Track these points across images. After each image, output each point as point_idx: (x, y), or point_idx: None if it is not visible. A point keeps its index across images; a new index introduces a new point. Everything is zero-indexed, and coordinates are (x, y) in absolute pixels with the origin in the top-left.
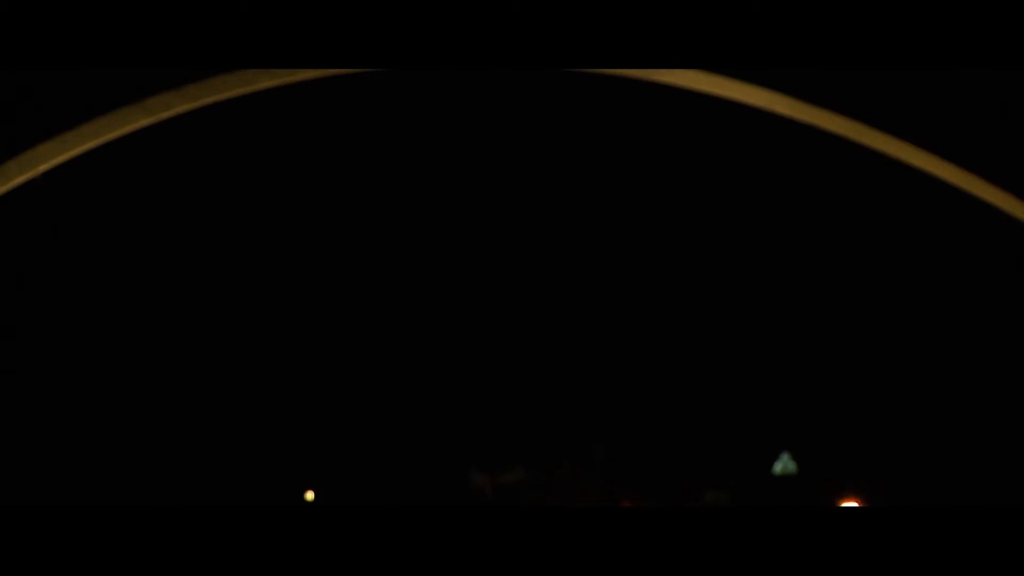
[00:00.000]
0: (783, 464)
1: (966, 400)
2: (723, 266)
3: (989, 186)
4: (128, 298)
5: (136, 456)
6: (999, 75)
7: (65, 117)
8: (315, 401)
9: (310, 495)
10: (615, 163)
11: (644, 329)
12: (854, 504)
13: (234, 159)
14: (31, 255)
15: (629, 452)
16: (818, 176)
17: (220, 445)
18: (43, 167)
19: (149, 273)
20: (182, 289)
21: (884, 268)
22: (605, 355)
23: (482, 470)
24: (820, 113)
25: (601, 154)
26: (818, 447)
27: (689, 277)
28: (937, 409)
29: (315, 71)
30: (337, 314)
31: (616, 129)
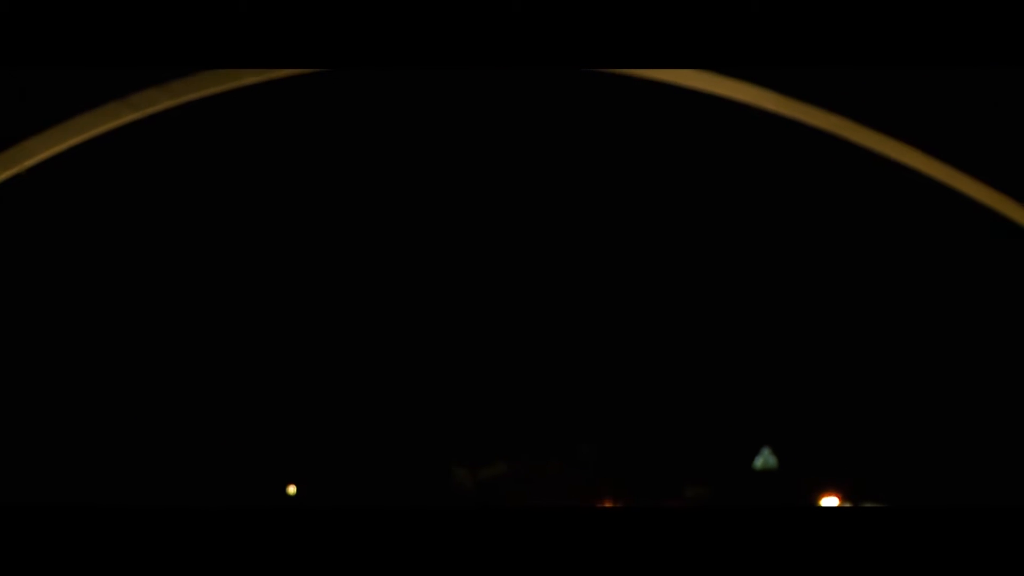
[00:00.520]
0: (764, 459)
1: (947, 397)
2: (706, 263)
3: (976, 183)
4: (111, 293)
5: (119, 451)
6: (987, 72)
7: (50, 113)
8: (298, 396)
9: (292, 489)
10: (598, 159)
11: (626, 326)
12: (834, 499)
13: (221, 154)
14: (16, 250)
15: (610, 448)
16: (804, 172)
17: (204, 439)
18: (28, 163)
19: (132, 268)
20: (164, 285)
21: (868, 264)
22: (587, 352)
23: (463, 464)
24: (807, 109)
25: (585, 150)
26: (799, 442)
27: (672, 274)
28: (918, 405)
29: (299, 69)
30: (320, 310)
31: (603, 124)
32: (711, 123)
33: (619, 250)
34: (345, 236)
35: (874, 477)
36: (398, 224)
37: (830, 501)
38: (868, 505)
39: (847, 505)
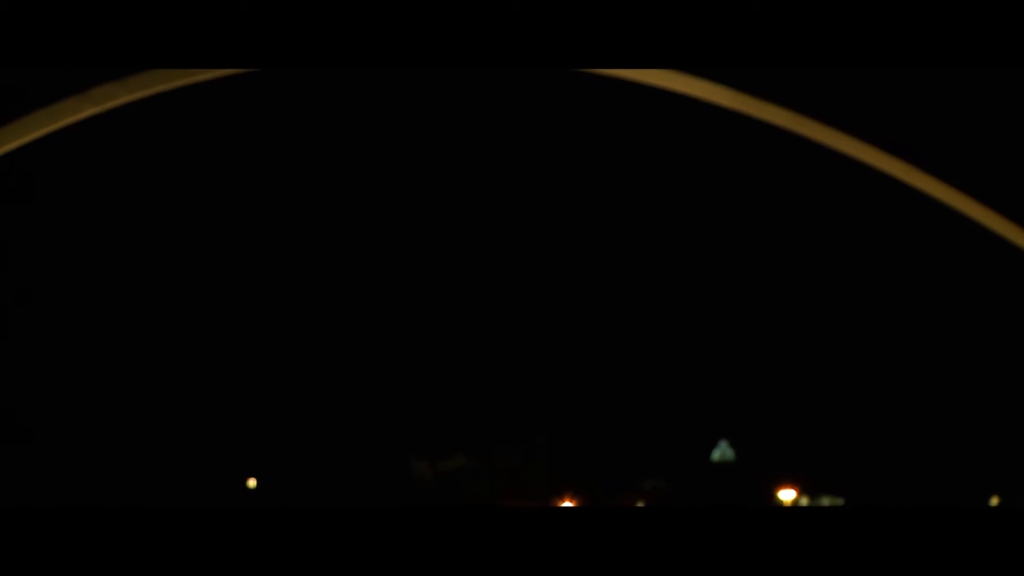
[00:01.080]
0: (721, 452)
1: (902, 393)
2: (663, 258)
3: (927, 177)
4: (75, 287)
5: (85, 445)
6: (940, 70)
7: (9, 108)
8: (260, 390)
9: (252, 482)
10: (559, 156)
11: (585, 321)
12: (791, 492)
13: (191, 150)
14: None
15: (570, 441)
16: (758, 166)
17: (166, 433)
18: None
19: (95, 262)
20: (129, 279)
21: (824, 260)
22: (546, 346)
23: (423, 458)
24: (760, 104)
25: (548, 147)
26: (756, 436)
27: (629, 270)
28: (874, 401)
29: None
30: (283, 308)
31: (562, 121)
32: (663, 116)
33: (579, 247)
34: (307, 236)
35: (830, 471)
36: (360, 225)
37: (787, 494)
38: (825, 499)
39: (804, 498)
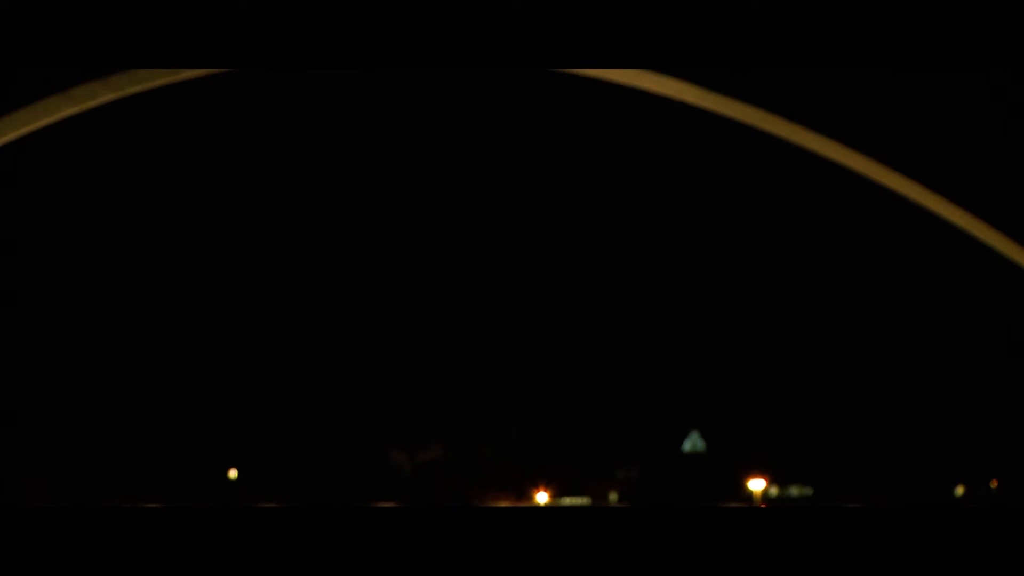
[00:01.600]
0: (692, 442)
1: (869, 385)
2: (635, 252)
3: (891, 172)
4: (57, 283)
5: (70, 435)
6: (903, 68)
7: None
8: (242, 383)
9: (233, 473)
10: (534, 155)
11: (559, 313)
12: (761, 482)
13: (170, 147)
14: None
15: (546, 431)
16: (729, 165)
17: (150, 425)
18: None
19: (76, 258)
20: (111, 274)
21: (793, 256)
22: (521, 340)
23: (400, 448)
24: (726, 102)
25: (522, 146)
26: (726, 427)
27: (602, 267)
28: (841, 394)
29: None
30: (263, 301)
31: (537, 121)
32: (631, 114)
33: (553, 244)
34: (289, 234)
35: (798, 461)
36: (340, 223)
37: (757, 484)
38: (794, 488)
39: (773, 488)
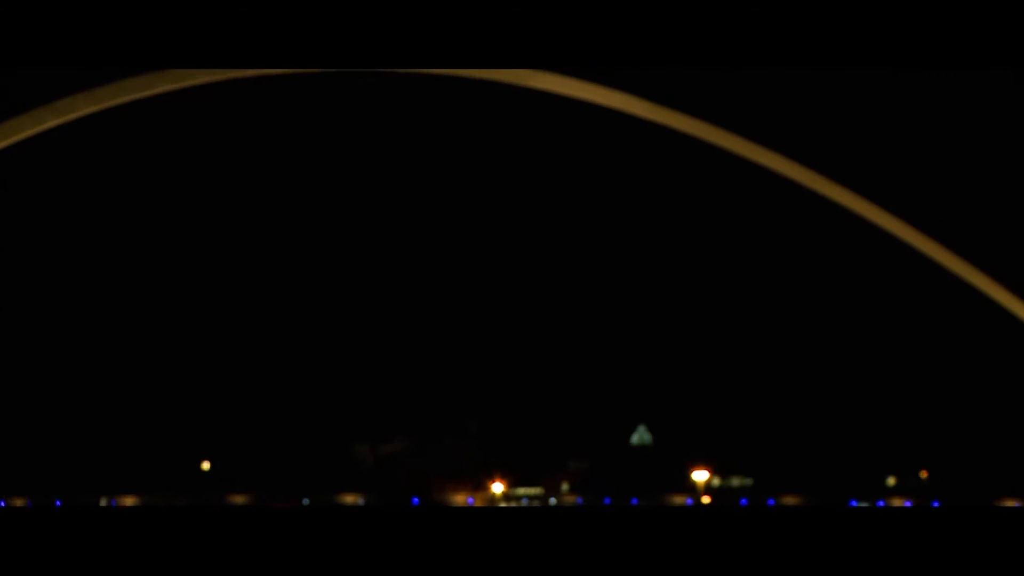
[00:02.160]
0: (640, 435)
1: (805, 381)
2: (585, 255)
3: (827, 181)
4: (27, 278)
5: (46, 429)
6: (843, 76)
7: None
8: (213, 378)
9: (206, 465)
10: (496, 168)
11: (514, 313)
12: (704, 473)
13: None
14: None
15: (500, 424)
16: (669, 171)
17: (126, 418)
18: None
19: (48, 255)
20: (78, 271)
21: (730, 257)
22: (478, 337)
23: (364, 441)
24: (672, 114)
25: (480, 158)
26: (671, 420)
27: (553, 265)
28: (779, 388)
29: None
30: (230, 296)
31: (487, 132)
32: (582, 125)
33: (508, 244)
34: (254, 232)
35: (740, 453)
36: (301, 222)
37: (700, 475)
38: (735, 479)
39: (716, 479)
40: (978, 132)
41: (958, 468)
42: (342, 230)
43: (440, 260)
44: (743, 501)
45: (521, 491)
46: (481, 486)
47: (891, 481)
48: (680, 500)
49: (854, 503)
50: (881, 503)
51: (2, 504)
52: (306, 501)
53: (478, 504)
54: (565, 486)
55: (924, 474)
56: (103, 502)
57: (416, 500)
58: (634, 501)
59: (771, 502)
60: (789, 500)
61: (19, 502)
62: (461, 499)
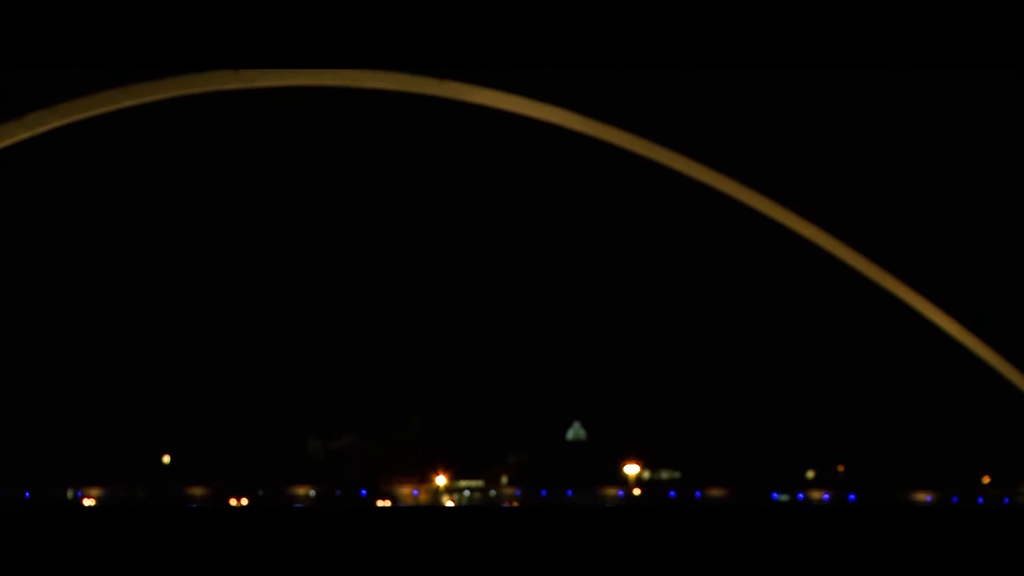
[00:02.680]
0: (575, 431)
1: (727, 379)
2: (524, 261)
3: (747, 189)
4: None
5: (7, 424)
6: (765, 88)
7: None
8: (173, 376)
9: (167, 459)
10: (440, 178)
11: (456, 313)
12: (635, 467)
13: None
14: None
15: (442, 420)
16: (604, 183)
17: (89, 413)
18: None
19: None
20: (42, 266)
21: (658, 263)
22: (420, 335)
23: (315, 436)
24: (607, 129)
25: (425, 169)
26: (604, 417)
27: (493, 271)
28: (703, 386)
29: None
30: (192, 298)
31: (437, 148)
32: (523, 140)
33: (451, 251)
34: (210, 231)
35: (669, 448)
36: (256, 221)
37: (631, 468)
38: (664, 472)
39: (646, 472)
40: (888, 139)
41: (872, 462)
42: (295, 241)
43: (386, 267)
44: (671, 493)
45: (463, 483)
46: (425, 479)
47: (810, 474)
48: (612, 492)
49: (776, 496)
50: (801, 496)
51: None
52: (261, 492)
53: (423, 496)
54: (504, 479)
55: (841, 468)
56: (69, 494)
57: (364, 492)
58: (569, 493)
59: (698, 494)
60: (715, 492)
61: None
62: (407, 491)
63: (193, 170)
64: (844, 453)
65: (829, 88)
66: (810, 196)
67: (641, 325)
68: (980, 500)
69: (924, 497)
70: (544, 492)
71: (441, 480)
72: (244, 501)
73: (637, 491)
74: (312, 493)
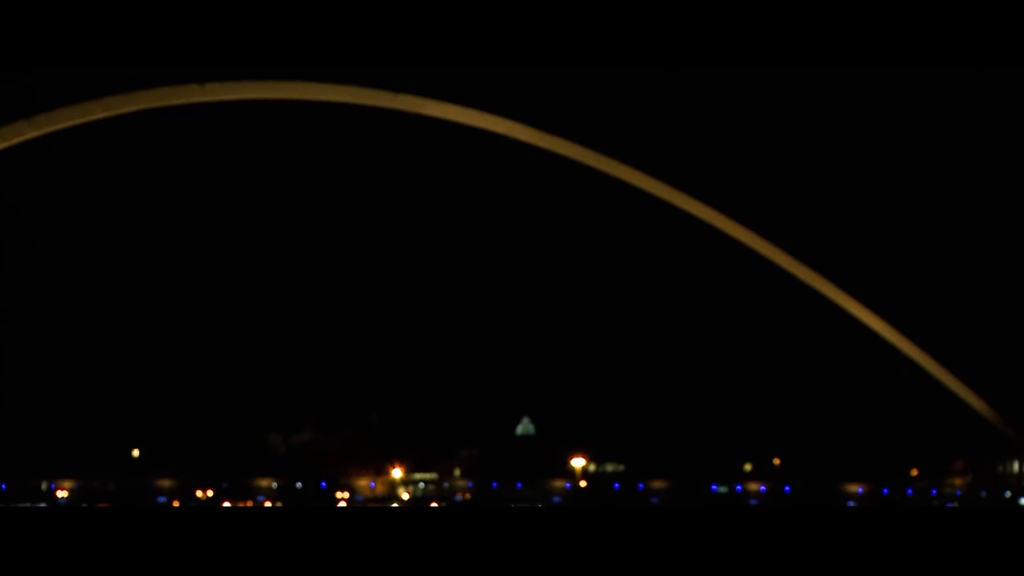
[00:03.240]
0: (524, 426)
1: (670, 376)
2: (471, 271)
3: (684, 195)
4: None
5: None
6: (702, 98)
7: None
8: (142, 373)
9: (136, 452)
10: (397, 189)
11: (409, 315)
12: (581, 460)
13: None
14: None
15: (397, 415)
16: (551, 189)
17: (59, 408)
18: None
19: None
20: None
21: (603, 267)
22: (379, 338)
23: (277, 431)
24: (552, 139)
25: (380, 177)
26: (552, 413)
27: (446, 276)
28: (647, 384)
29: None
30: (160, 298)
31: (385, 157)
32: (475, 151)
33: (404, 253)
34: (178, 231)
35: (613, 442)
36: (221, 224)
37: (578, 461)
38: (609, 465)
39: (591, 465)
40: (815, 142)
41: (807, 455)
42: (257, 248)
43: (343, 276)
44: (616, 485)
45: (418, 476)
46: (382, 471)
47: (748, 467)
48: (560, 484)
49: (715, 487)
50: (739, 487)
51: None
52: (225, 484)
53: (379, 488)
54: (457, 471)
55: (777, 461)
56: (44, 486)
57: (324, 484)
58: (519, 485)
59: (640, 486)
60: (657, 484)
61: None
62: (364, 483)
63: (162, 176)
64: (780, 447)
65: (767, 95)
66: (746, 203)
67: (587, 326)
68: (909, 491)
69: (856, 489)
70: (495, 484)
71: (397, 473)
72: (210, 492)
73: (583, 483)
74: (274, 485)
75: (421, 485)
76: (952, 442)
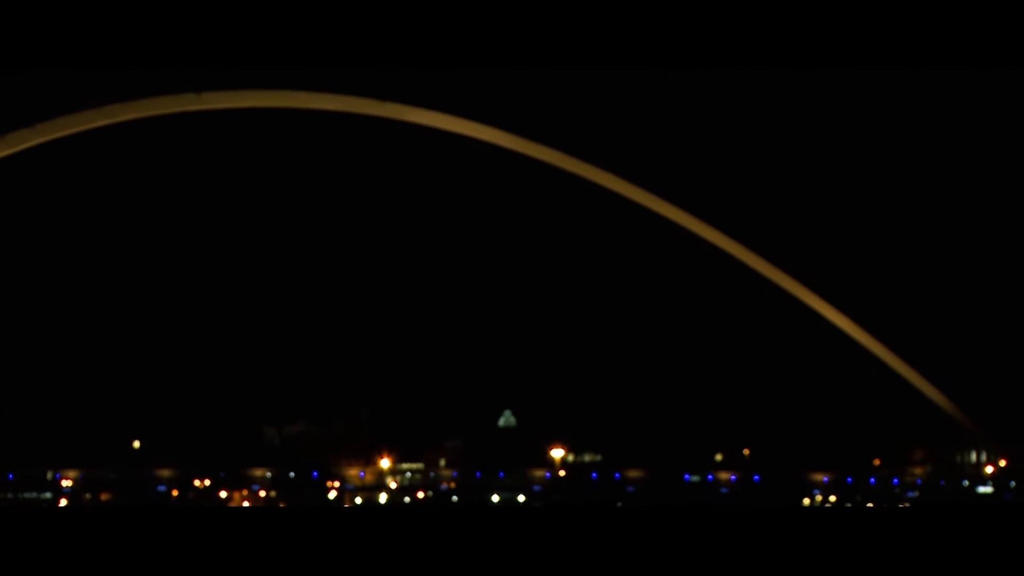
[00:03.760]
0: (506, 418)
1: (645, 370)
2: (456, 271)
3: (656, 198)
4: None
5: None
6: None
7: None
8: (143, 367)
9: (136, 443)
10: (384, 191)
11: (397, 315)
12: (560, 451)
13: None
14: None
15: (385, 409)
16: (531, 193)
17: (59, 398)
18: None
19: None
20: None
21: (577, 268)
22: (368, 333)
23: (271, 423)
24: (533, 145)
25: (362, 182)
26: (533, 406)
27: (432, 275)
28: (623, 378)
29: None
30: (158, 291)
31: (367, 163)
32: (458, 157)
33: (391, 254)
34: (171, 227)
35: (591, 434)
36: (211, 220)
37: (557, 452)
38: (587, 455)
39: (571, 455)
40: (780, 142)
41: (774, 445)
42: (251, 248)
43: (335, 276)
44: (594, 475)
45: (405, 466)
46: (371, 462)
47: (719, 457)
48: (540, 474)
49: (687, 476)
50: (711, 476)
51: None
52: (222, 473)
53: (368, 477)
54: (443, 462)
55: (746, 451)
56: (49, 475)
57: (316, 473)
58: (501, 474)
59: (617, 475)
60: (633, 473)
61: None
62: (354, 472)
63: (162, 176)
64: (749, 437)
65: (739, 101)
66: (718, 207)
67: (566, 323)
68: (872, 480)
69: (821, 477)
70: (479, 474)
71: (385, 463)
72: (207, 481)
73: (562, 472)
74: (268, 474)
75: (408, 475)
76: (913, 433)
